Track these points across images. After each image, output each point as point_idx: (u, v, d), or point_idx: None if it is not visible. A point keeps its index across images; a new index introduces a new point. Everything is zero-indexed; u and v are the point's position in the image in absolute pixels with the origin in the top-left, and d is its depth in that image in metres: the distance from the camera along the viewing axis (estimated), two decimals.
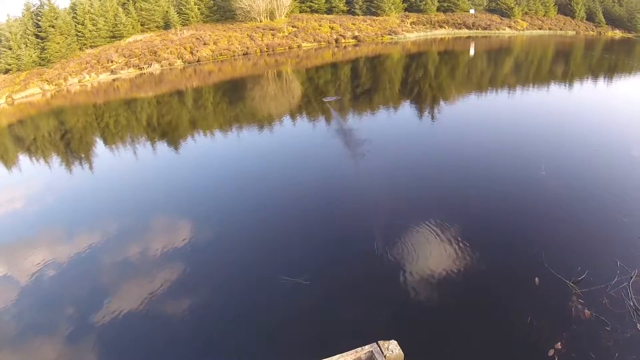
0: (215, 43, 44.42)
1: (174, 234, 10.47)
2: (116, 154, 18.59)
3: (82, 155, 19.12)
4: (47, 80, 37.74)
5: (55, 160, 19.02)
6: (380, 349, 4.48)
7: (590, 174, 12.19)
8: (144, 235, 10.75)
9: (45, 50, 40.75)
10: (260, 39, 46.18)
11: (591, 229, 9.30)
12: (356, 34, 48.30)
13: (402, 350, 4.59)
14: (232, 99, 28.37)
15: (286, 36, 46.98)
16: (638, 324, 6.34)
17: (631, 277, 7.30)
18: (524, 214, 9.99)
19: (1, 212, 13.17)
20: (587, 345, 6.03)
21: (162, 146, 18.99)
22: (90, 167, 17.09)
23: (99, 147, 20.33)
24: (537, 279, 7.46)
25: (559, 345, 5.98)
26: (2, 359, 7.01)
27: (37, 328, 7.65)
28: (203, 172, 14.95)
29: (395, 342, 4.55)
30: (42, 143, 22.21)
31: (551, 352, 5.89)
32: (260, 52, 44.64)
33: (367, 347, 4.56)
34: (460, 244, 8.72)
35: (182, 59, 41.96)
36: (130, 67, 40.45)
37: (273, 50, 44.94)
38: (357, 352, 4.54)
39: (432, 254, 8.50)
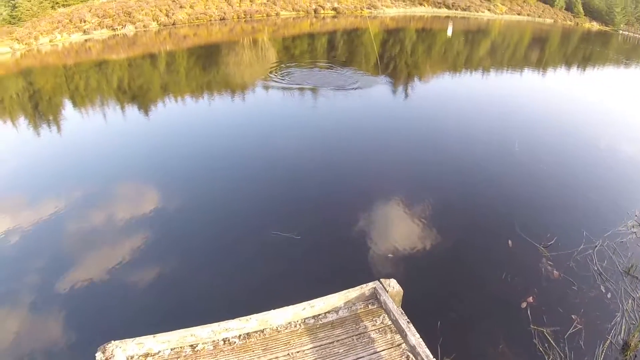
0: (192, 6, 43.05)
1: (153, 196, 10.21)
2: (85, 117, 17.92)
3: (50, 118, 18.41)
4: (17, 39, 35.71)
5: (22, 122, 18.26)
6: (383, 285, 4.84)
7: (561, 152, 12.86)
8: (117, 200, 10.32)
9: (16, 7, 38.44)
10: (238, 4, 44.96)
11: (560, 201, 9.89)
12: (336, 5, 47.63)
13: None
14: (205, 64, 27.87)
15: (264, 3, 45.85)
16: (602, 286, 6.96)
17: (596, 246, 7.98)
18: (498, 185, 10.50)
19: None
20: (555, 301, 6.57)
21: (133, 110, 18.48)
22: (58, 130, 16.38)
23: (68, 109, 19.50)
24: (510, 242, 8.03)
25: (530, 299, 6.52)
26: None
27: None
28: (177, 136, 14.63)
29: (395, 280, 4.90)
30: (10, 104, 21.32)
31: (524, 304, 6.43)
32: (238, 18, 43.56)
33: (370, 284, 4.92)
34: (441, 212, 9.18)
35: (157, 22, 40.47)
36: (103, 27, 38.75)
37: (250, 17, 43.92)
38: (362, 287, 4.89)
39: (416, 218, 8.91)
